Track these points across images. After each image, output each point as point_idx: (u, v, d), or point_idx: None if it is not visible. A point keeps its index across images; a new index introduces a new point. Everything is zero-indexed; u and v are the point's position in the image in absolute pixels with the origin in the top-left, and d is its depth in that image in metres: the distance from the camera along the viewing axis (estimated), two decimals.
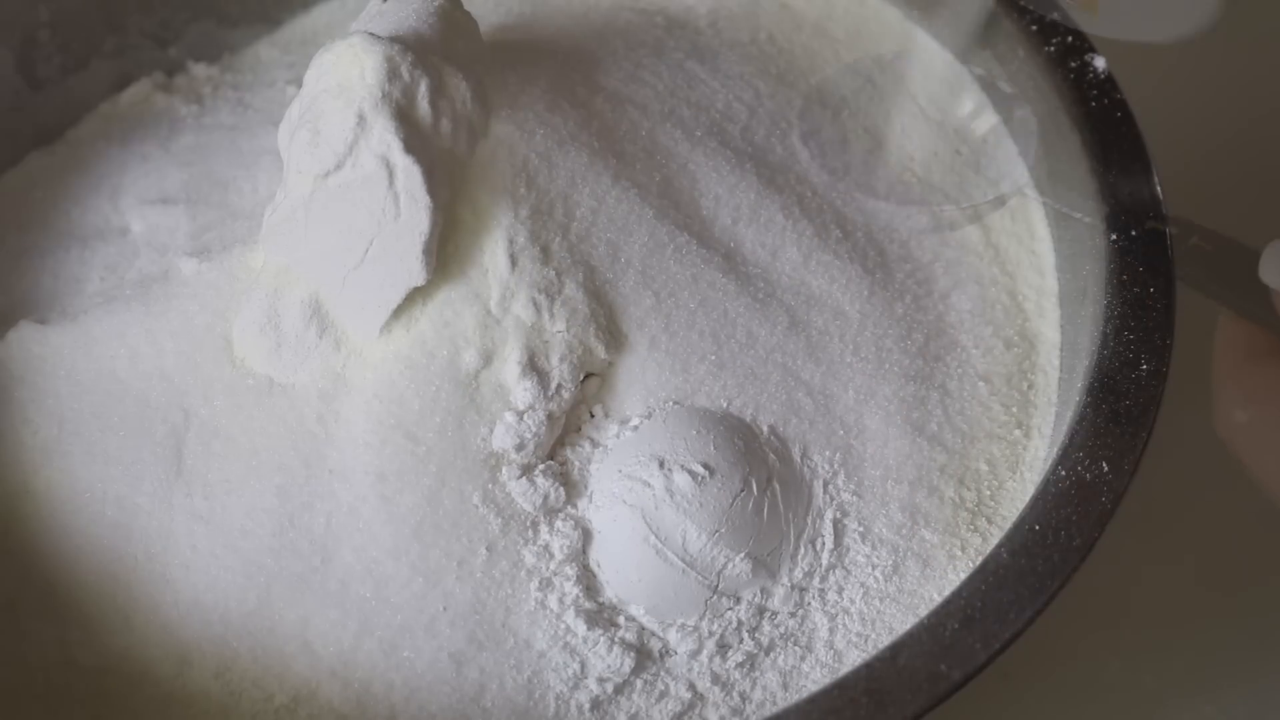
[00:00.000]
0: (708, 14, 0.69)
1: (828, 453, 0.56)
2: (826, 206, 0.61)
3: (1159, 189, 0.58)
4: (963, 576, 0.51)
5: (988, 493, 0.57)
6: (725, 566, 0.53)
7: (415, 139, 0.52)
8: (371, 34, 0.52)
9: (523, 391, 0.53)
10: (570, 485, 0.54)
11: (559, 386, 0.54)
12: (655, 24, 0.66)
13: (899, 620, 0.54)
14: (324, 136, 0.52)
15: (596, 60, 0.62)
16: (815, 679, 0.53)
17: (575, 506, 0.54)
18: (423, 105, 0.52)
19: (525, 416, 0.53)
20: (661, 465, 0.53)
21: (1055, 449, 0.53)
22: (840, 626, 0.54)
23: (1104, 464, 0.50)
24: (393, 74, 0.51)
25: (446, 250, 0.53)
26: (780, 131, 0.63)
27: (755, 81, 0.64)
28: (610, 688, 0.52)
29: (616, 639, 0.52)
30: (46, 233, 0.64)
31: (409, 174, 0.51)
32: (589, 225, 0.55)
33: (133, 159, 0.67)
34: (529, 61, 0.59)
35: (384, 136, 0.51)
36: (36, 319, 0.59)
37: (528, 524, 0.53)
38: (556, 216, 0.55)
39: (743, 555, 0.53)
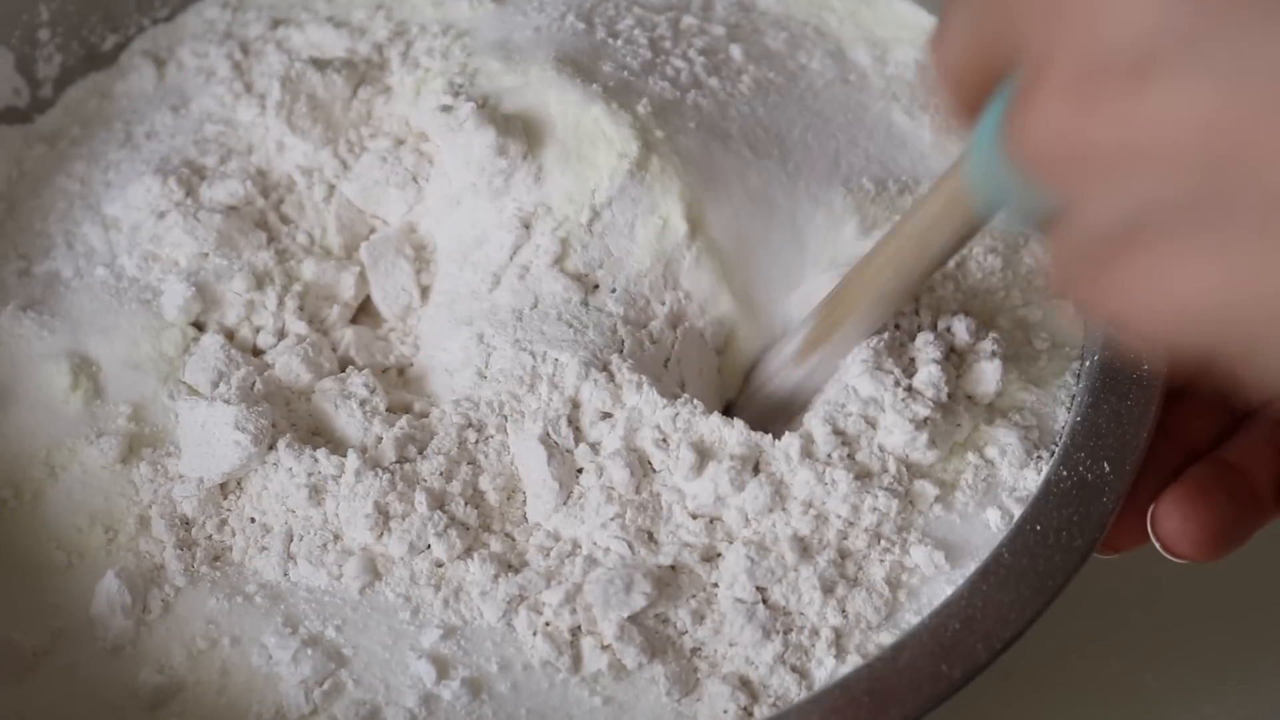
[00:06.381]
0: (708, 13, 0.69)
1: None
2: (832, 205, 0.61)
3: None
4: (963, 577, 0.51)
5: None
6: None
7: None
8: None
9: None
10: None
11: None
12: (656, 24, 0.66)
13: None
14: None
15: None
16: None
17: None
18: None
19: None
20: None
21: (1057, 449, 0.53)
22: None
23: (1105, 464, 0.50)
24: None
25: None
26: (778, 130, 0.63)
27: (759, 82, 0.64)
28: None
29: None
30: (46, 232, 0.64)
31: None
32: None
33: (133, 159, 0.67)
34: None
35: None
36: (35, 319, 0.59)
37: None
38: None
39: None
